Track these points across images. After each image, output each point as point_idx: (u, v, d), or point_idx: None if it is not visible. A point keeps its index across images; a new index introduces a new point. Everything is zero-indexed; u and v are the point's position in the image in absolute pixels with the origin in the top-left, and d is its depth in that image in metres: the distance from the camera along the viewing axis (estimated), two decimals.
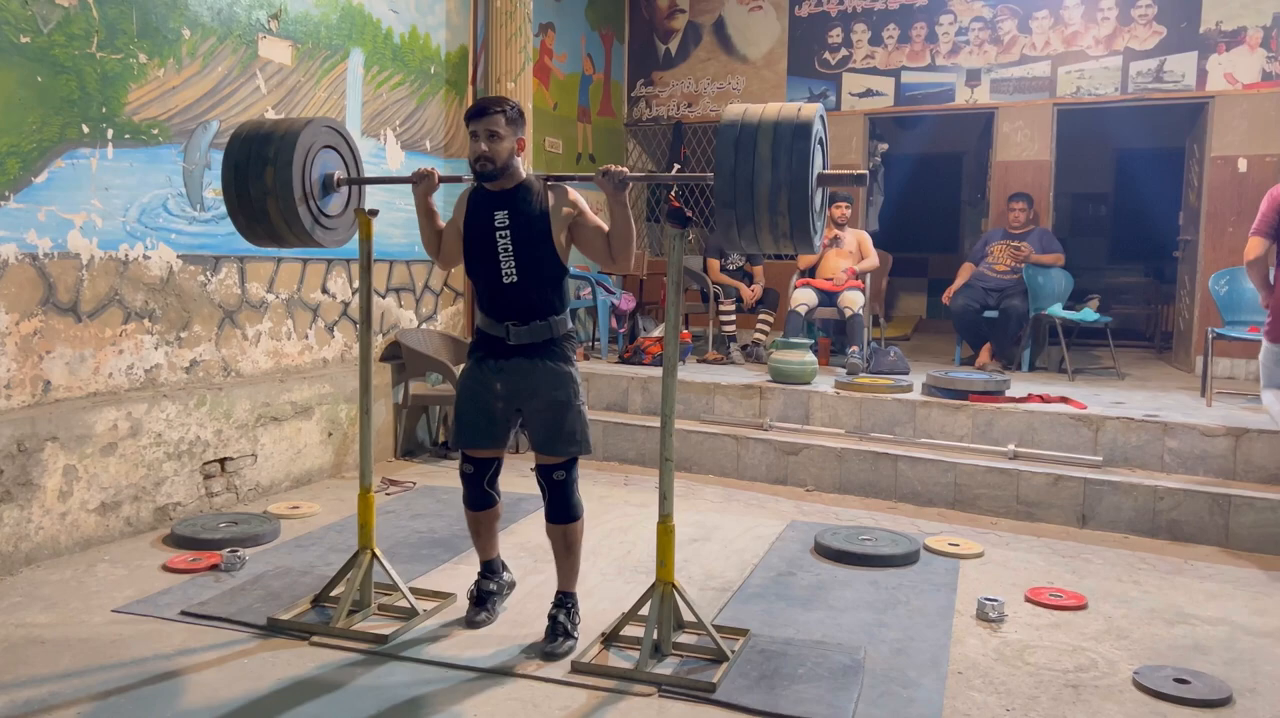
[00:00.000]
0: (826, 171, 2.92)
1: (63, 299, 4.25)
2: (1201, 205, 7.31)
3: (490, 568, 3.57)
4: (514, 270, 3.19)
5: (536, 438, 3.28)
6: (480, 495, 3.44)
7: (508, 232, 3.18)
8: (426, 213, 3.38)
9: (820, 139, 2.86)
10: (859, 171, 2.92)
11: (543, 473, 3.29)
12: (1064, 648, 3.35)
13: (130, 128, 4.50)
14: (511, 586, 3.71)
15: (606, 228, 3.22)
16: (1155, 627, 3.57)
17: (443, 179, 3.36)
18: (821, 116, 2.84)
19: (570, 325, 3.35)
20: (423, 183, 3.32)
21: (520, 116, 3.24)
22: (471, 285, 3.22)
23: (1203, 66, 7.22)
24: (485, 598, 3.51)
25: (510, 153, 3.18)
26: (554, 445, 3.25)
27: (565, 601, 3.34)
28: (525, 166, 3.33)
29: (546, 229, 3.20)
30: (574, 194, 3.27)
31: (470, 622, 3.45)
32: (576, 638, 3.26)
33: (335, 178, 3.44)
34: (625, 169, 3.08)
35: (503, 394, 3.28)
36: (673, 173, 8.32)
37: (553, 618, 3.29)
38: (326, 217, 3.44)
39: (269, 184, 3.25)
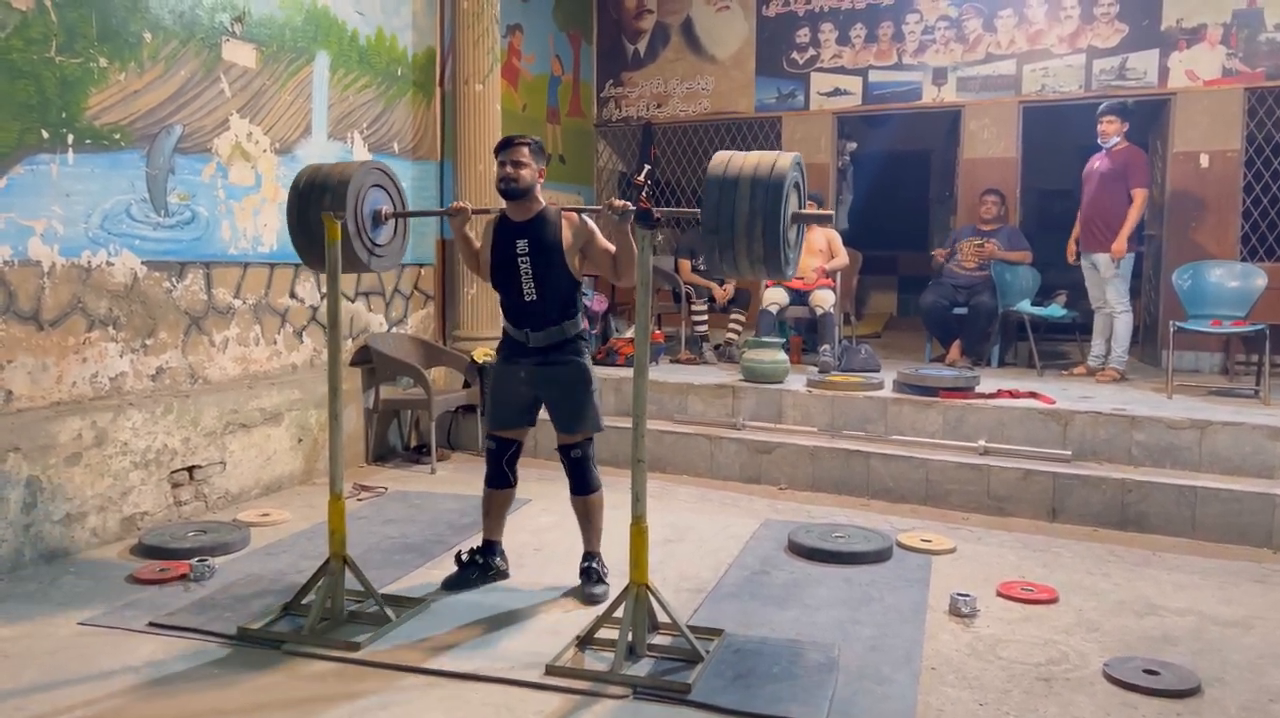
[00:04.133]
0: (801, 211, 3.22)
1: (24, 307, 4.18)
2: (1165, 201, 7.40)
3: (489, 548, 3.93)
4: (533, 290, 3.70)
5: (557, 421, 3.80)
6: (498, 473, 3.86)
7: (528, 258, 3.68)
8: (464, 239, 3.88)
9: (796, 183, 3.17)
10: (826, 212, 3.35)
11: (563, 452, 3.81)
12: (1035, 642, 3.38)
13: (91, 133, 4.44)
14: (501, 574, 3.93)
15: (614, 250, 3.67)
16: (1125, 619, 3.61)
17: (475, 211, 3.83)
18: (798, 163, 3.16)
19: (582, 326, 3.82)
20: (458, 216, 3.79)
21: (541, 150, 3.74)
22: (498, 298, 3.90)
23: (1164, 64, 7.31)
24: (470, 566, 3.87)
25: (532, 178, 3.68)
26: (570, 425, 3.78)
27: (591, 557, 3.86)
28: (543, 197, 3.79)
29: (561, 255, 3.69)
30: (589, 224, 3.74)
31: (445, 583, 3.84)
32: (609, 584, 3.75)
33: (383, 212, 3.78)
34: (628, 204, 3.40)
35: (526, 381, 3.79)
36: (643, 175, 8.32)
37: (584, 570, 3.83)
38: (377, 245, 3.79)
39: (326, 207, 3.56)
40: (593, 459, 3.82)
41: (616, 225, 3.52)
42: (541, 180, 3.75)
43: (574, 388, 3.76)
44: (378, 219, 3.75)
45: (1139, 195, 6.45)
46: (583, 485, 3.82)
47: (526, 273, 3.68)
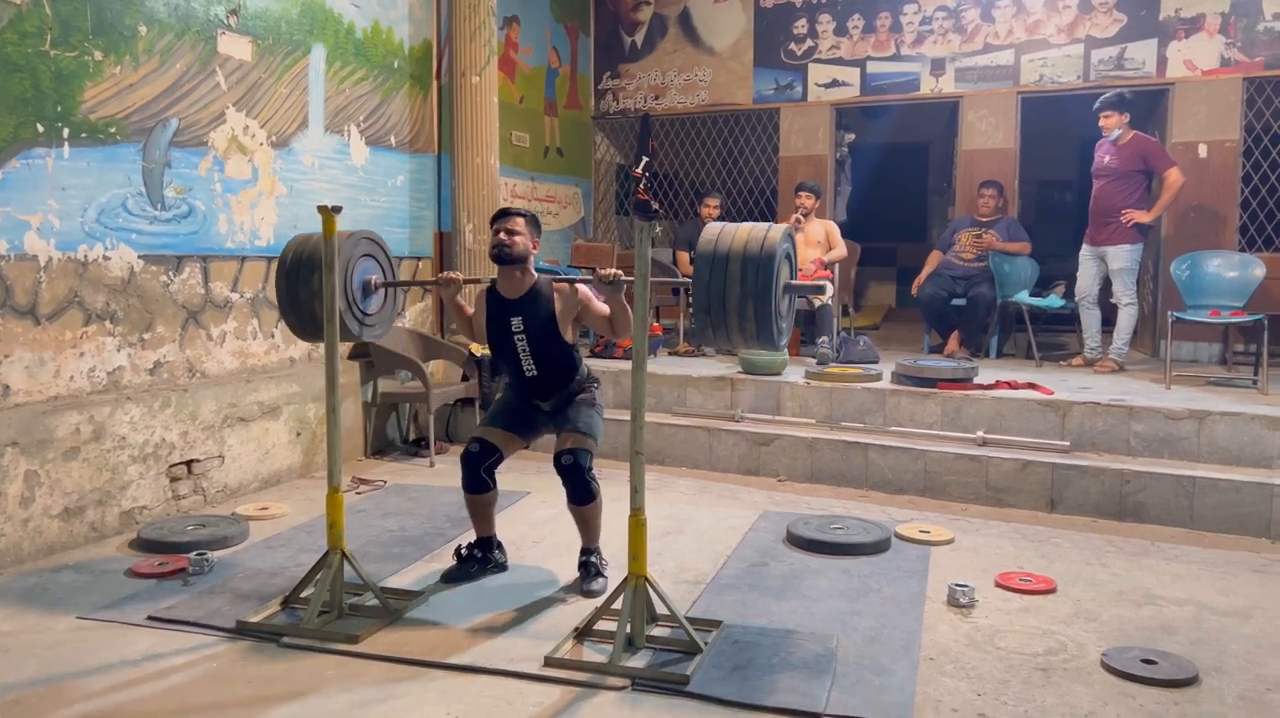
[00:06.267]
0: (792, 282, 3.28)
1: (20, 302, 4.17)
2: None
3: (487, 542, 3.93)
4: (533, 366, 3.76)
5: (558, 427, 3.80)
6: (476, 479, 3.80)
7: (524, 335, 3.73)
8: (456, 307, 3.90)
9: (787, 254, 3.21)
10: (818, 284, 3.37)
11: (556, 459, 3.69)
12: (1034, 632, 3.39)
13: (87, 126, 4.43)
14: (500, 567, 3.95)
15: (608, 312, 3.66)
16: (1123, 609, 3.62)
17: (466, 281, 3.84)
18: (789, 234, 3.20)
19: (585, 371, 3.87)
20: (450, 286, 3.80)
21: (538, 226, 3.80)
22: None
23: (1163, 53, 7.30)
24: (469, 560, 3.88)
25: (526, 247, 3.70)
26: (569, 426, 3.75)
27: (590, 552, 3.82)
28: (533, 268, 3.79)
29: (555, 328, 3.73)
30: (581, 290, 3.75)
31: (445, 576, 3.83)
32: (608, 577, 3.75)
33: (373, 282, 3.82)
34: (620, 273, 3.44)
35: (543, 409, 3.85)
36: (641, 167, 8.32)
37: (583, 564, 3.80)
38: (367, 315, 3.83)
39: (315, 288, 3.59)
40: (589, 470, 3.71)
41: (610, 294, 3.55)
42: (536, 252, 3.78)
43: (581, 406, 3.82)
44: (367, 289, 3.80)
45: (1172, 174, 6.41)
46: (579, 495, 3.73)
47: (524, 350, 3.74)
